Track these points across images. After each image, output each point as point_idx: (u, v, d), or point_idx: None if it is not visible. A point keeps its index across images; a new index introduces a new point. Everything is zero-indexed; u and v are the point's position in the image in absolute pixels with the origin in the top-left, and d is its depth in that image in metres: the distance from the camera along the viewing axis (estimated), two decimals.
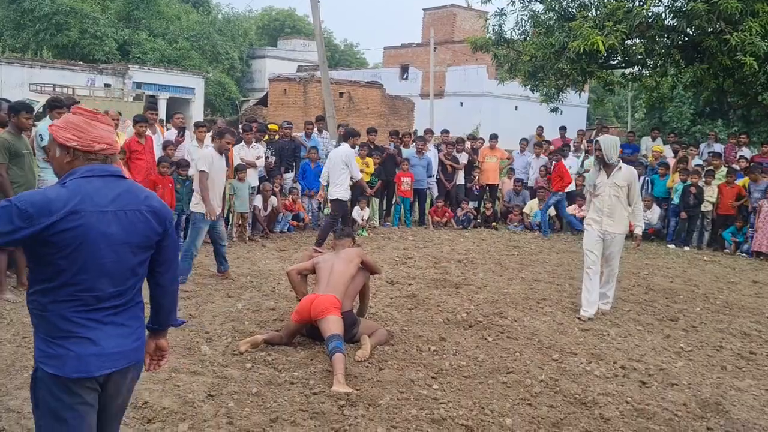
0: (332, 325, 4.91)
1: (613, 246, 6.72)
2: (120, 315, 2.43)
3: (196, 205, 7.19)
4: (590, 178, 6.87)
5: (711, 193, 11.62)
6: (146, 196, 2.50)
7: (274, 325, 5.74)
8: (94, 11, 36.61)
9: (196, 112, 35.46)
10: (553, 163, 12.27)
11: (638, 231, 7.02)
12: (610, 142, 6.63)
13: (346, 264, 5.47)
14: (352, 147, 9.72)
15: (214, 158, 7.16)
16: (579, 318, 6.54)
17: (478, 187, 13.48)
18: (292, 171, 11.55)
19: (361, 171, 11.77)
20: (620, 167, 6.62)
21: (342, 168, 9.27)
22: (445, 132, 14.01)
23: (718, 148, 13.69)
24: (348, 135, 9.71)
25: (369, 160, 11.90)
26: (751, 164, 11.86)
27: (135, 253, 2.43)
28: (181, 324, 3.02)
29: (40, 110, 18.08)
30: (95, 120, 2.43)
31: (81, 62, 34.18)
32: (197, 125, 9.78)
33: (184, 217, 9.07)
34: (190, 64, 39.46)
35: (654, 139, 14.51)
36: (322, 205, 11.77)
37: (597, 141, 6.73)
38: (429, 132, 13.80)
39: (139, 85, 33.74)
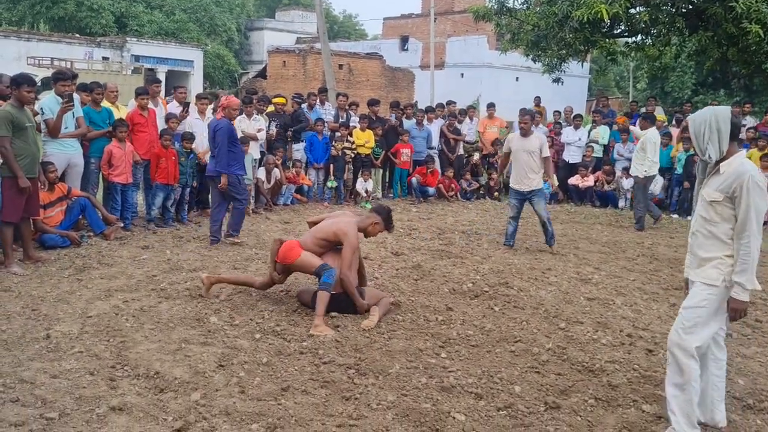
0: (309, 262, 5.24)
1: (693, 301, 3.58)
2: None
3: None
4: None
5: None
6: None
7: (281, 296, 5.76)
8: None
9: (196, 85, 35.28)
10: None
11: (750, 286, 3.41)
12: (705, 121, 3.47)
13: (337, 226, 5.37)
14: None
15: (514, 140, 8.48)
16: None
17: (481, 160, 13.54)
18: (300, 142, 11.52)
19: (362, 144, 11.78)
20: (719, 170, 3.49)
21: None
22: (452, 103, 13.97)
23: None
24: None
25: (369, 132, 11.86)
26: (758, 133, 11.79)
27: None
28: None
29: (39, 84, 17.97)
30: None
31: (78, 35, 33.88)
32: (199, 97, 9.71)
33: (188, 190, 9.05)
34: (188, 36, 39.15)
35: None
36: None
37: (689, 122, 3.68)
38: (440, 106, 13.76)
39: (137, 58, 33.50)
